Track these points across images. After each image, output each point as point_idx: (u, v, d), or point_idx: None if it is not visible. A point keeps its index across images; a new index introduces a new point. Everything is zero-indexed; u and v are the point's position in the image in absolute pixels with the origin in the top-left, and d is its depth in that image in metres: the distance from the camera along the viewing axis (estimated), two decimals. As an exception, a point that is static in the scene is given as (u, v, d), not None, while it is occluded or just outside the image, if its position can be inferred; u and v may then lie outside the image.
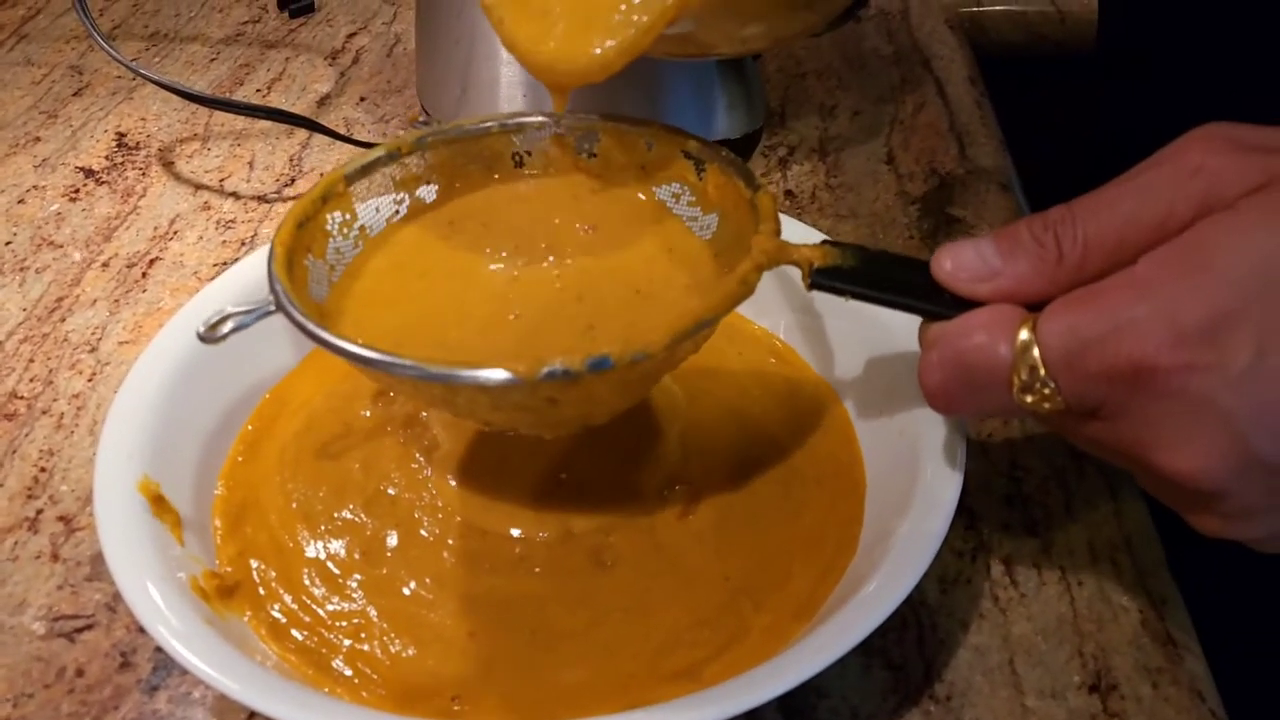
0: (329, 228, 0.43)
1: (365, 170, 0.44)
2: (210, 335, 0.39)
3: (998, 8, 0.84)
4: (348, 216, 0.43)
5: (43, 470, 0.48)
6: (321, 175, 0.65)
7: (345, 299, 0.42)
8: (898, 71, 0.74)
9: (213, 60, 0.77)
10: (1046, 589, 0.43)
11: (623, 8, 0.39)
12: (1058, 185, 0.71)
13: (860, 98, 0.72)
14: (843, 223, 0.61)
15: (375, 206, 0.44)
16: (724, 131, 0.62)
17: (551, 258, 0.44)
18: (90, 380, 0.52)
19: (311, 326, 0.37)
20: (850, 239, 0.59)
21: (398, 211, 0.45)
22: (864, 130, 0.69)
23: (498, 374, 0.34)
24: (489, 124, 0.45)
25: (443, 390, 0.36)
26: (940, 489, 0.39)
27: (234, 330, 0.39)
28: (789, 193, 0.63)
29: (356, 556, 0.42)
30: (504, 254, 0.44)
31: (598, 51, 0.39)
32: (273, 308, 0.38)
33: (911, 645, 0.41)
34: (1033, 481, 0.46)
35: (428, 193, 0.45)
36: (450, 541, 0.42)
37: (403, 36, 0.79)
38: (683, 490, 0.44)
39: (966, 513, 0.45)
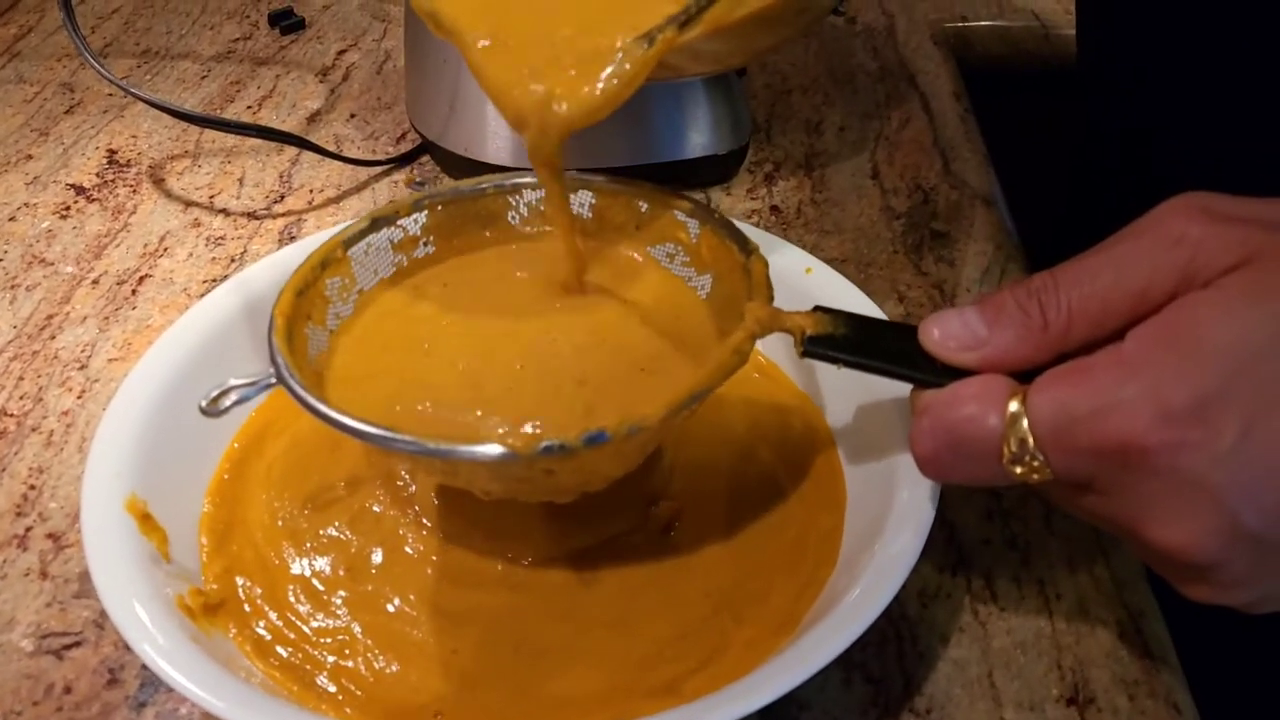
0: (328, 293, 0.43)
1: (363, 234, 0.45)
2: (212, 409, 0.39)
3: (983, 23, 0.84)
4: (346, 281, 0.44)
5: (32, 488, 0.49)
6: (312, 192, 0.66)
7: (337, 369, 0.42)
8: (883, 87, 0.75)
9: (204, 77, 0.78)
10: (1025, 602, 0.43)
11: (610, 59, 0.39)
12: (1042, 199, 0.72)
13: (846, 113, 0.72)
14: (828, 238, 0.61)
15: (374, 270, 0.45)
16: (710, 148, 0.63)
17: (552, 334, 0.44)
18: (80, 397, 0.53)
19: (312, 400, 0.37)
20: (835, 255, 0.60)
21: (395, 276, 0.45)
22: (849, 146, 0.69)
23: (494, 449, 0.35)
24: (485, 185, 0.47)
25: (443, 464, 0.37)
26: (918, 503, 0.40)
27: (236, 403, 0.39)
28: (775, 208, 0.64)
29: (341, 573, 0.42)
30: (500, 327, 0.44)
31: (579, 100, 0.39)
32: (274, 380, 0.39)
33: (892, 659, 0.41)
34: (1012, 496, 0.47)
35: (425, 256, 0.46)
36: (434, 558, 0.43)
37: (393, 53, 0.80)
38: (665, 506, 0.44)
39: (946, 527, 0.46)
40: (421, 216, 0.46)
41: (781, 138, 0.70)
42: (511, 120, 0.41)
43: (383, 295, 0.45)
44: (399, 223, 0.45)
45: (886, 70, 0.77)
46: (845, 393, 0.47)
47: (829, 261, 0.50)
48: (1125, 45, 0.60)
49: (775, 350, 0.50)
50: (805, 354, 0.39)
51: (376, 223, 0.45)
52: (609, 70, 0.39)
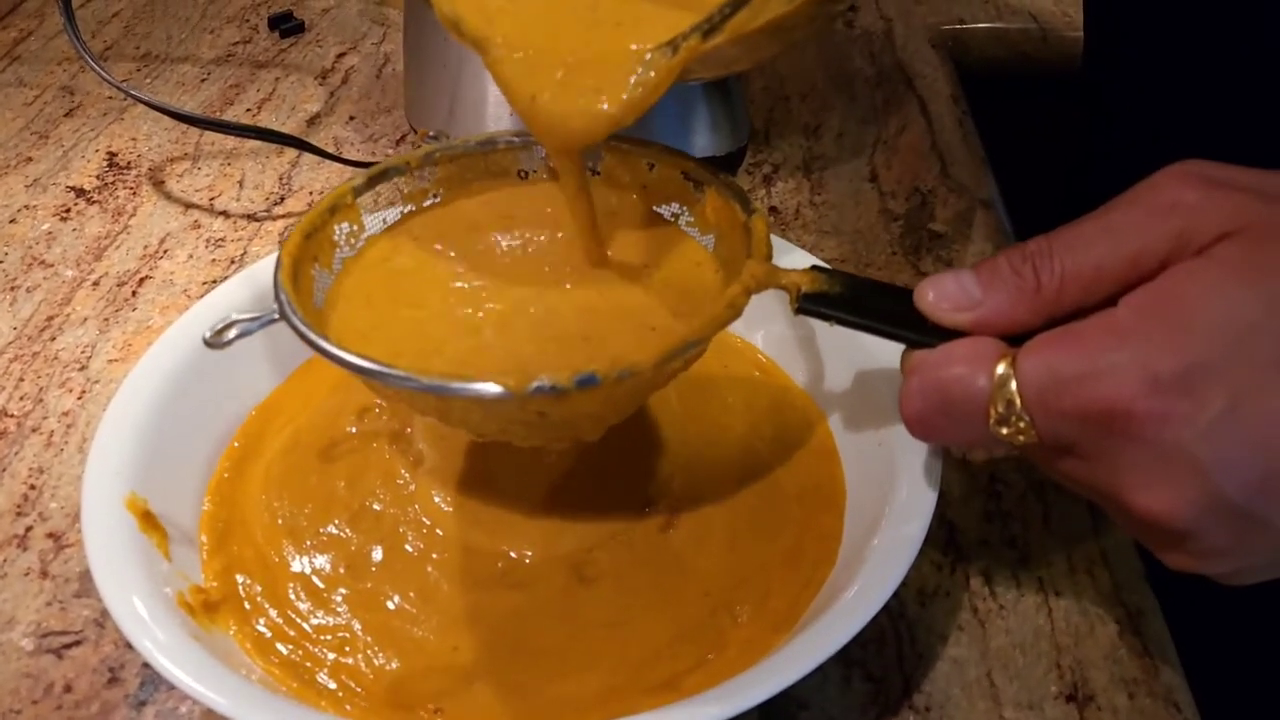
0: (336, 238, 0.44)
1: (373, 182, 0.45)
2: (216, 341, 0.40)
3: (980, 25, 0.85)
4: (355, 228, 0.45)
5: (32, 488, 0.49)
6: (311, 194, 0.66)
7: (341, 313, 0.43)
8: (881, 91, 0.75)
9: (203, 80, 0.78)
10: (1025, 601, 0.43)
11: (634, 67, 0.40)
12: (1040, 201, 0.72)
13: (844, 117, 0.73)
14: (826, 239, 0.62)
15: (382, 219, 0.45)
16: (708, 150, 0.63)
17: (558, 294, 0.44)
18: (80, 398, 0.53)
19: (312, 335, 0.38)
20: (834, 256, 0.60)
21: (402, 224, 0.46)
22: (847, 149, 0.69)
23: (488, 387, 0.35)
24: (496, 140, 0.47)
25: (436, 401, 0.37)
26: (917, 502, 0.40)
27: (239, 336, 0.40)
28: (773, 209, 0.64)
29: (341, 571, 0.42)
30: (509, 283, 0.44)
31: (604, 108, 0.40)
32: (276, 316, 0.39)
33: (891, 657, 0.41)
34: (1011, 496, 0.47)
35: (434, 206, 0.47)
36: (435, 556, 0.43)
37: (392, 57, 0.80)
38: (665, 505, 0.44)
39: (946, 526, 0.46)
40: (432, 168, 0.46)
41: (780, 140, 0.70)
42: (534, 129, 0.41)
43: (388, 244, 0.45)
44: (410, 173, 0.46)
45: (884, 74, 0.77)
46: (844, 391, 0.47)
47: (829, 262, 0.50)
48: (1132, 50, 0.61)
49: (775, 348, 0.50)
50: (800, 311, 0.39)
51: (387, 172, 0.45)
52: (634, 79, 0.39)
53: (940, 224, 0.63)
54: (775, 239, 0.50)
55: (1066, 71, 0.80)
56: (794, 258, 0.49)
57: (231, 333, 0.40)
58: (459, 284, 0.44)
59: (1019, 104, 0.85)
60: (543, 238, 0.46)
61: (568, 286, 0.44)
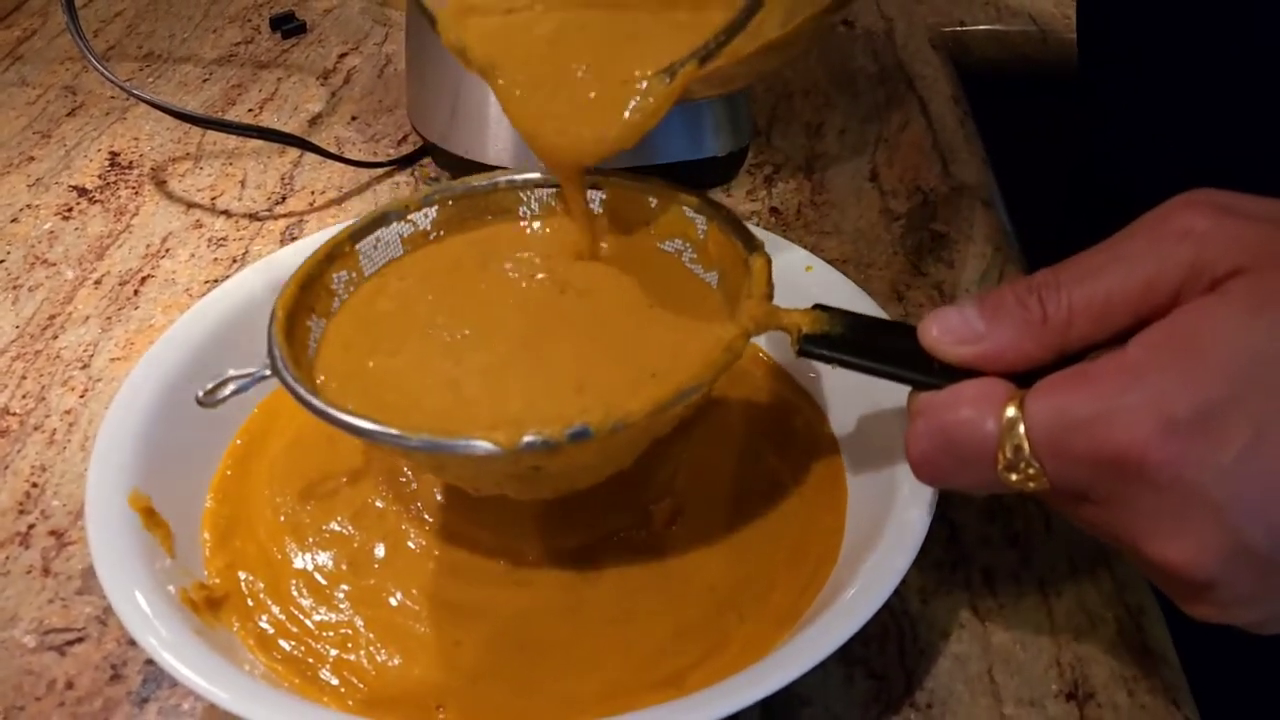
0: (334, 286, 0.43)
1: (372, 227, 0.45)
2: (209, 399, 0.40)
3: (980, 27, 0.85)
4: (353, 275, 0.44)
5: (34, 486, 0.49)
6: (313, 194, 0.66)
7: (332, 360, 0.42)
8: (882, 91, 0.76)
9: (205, 80, 0.78)
10: (1025, 599, 0.43)
11: (633, 94, 0.40)
12: (1040, 201, 0.72)
13: (845, 116, 0.73)
14: (827, 239, 0.62)
15: (380, 264, 0.45)
16: (711, 150, 0.63)
17: (556, 337, 0.43)
18: (82, 397, 0.53)
19: (303, 393, 0.37)
20: (835, 255, 0.60)
21: (404, 266, 0.45)
22: (849, 148, 0.70)
23: (478, 444, 0.35)
24: (496, 181, 0.47)
25: (429, 458, 0.37)
26: (918, 500, 0.40)
27: (233, 394, 0.40)
28: (774, 210, 0.64)
29: (344, 568, 0.42)
30: (504, 327, 0.44)
31: (605, 134, 0.40)
32: (268, 372, 0.39)
33: (893, 654, 0.41)
34: (1012, 494, 0.47)
35: (428, 247, 0.46)
36: (436, 553, 0.43)
37: (394, 57, 0.80)
38: (666, 504, 0.44)
39: (947, 524, 0.46)
40: (431, 211, 0.46)
41: (782, 140, 0.70)
42: (538, 152, 0.41)
43: (374, 286, 0.45)
44: (409, 217, 0.45)
45: (886, 74, 0.77)
46: (847, 391, 0.47)
47: (830, 262, 0.50)
48: (1125, 51, 0.61)
49: (778, 349, 0.50)
50: (801, 353, 0.39)
51: (386, 216, 0.45)
52: (633, 104, 0.40)
53: (941, 224, 0.63)
54: (773, 236, 0.50)
55: (1066, 73, 0.80)
56: (794, 256, 0.49)
57: (226, 390, 0.40)
58: (450, 331, 0.43)
59: (1019, 104, 0.85)
60: (541, 280, 0.45)
61: (565, 330, 0.43)
